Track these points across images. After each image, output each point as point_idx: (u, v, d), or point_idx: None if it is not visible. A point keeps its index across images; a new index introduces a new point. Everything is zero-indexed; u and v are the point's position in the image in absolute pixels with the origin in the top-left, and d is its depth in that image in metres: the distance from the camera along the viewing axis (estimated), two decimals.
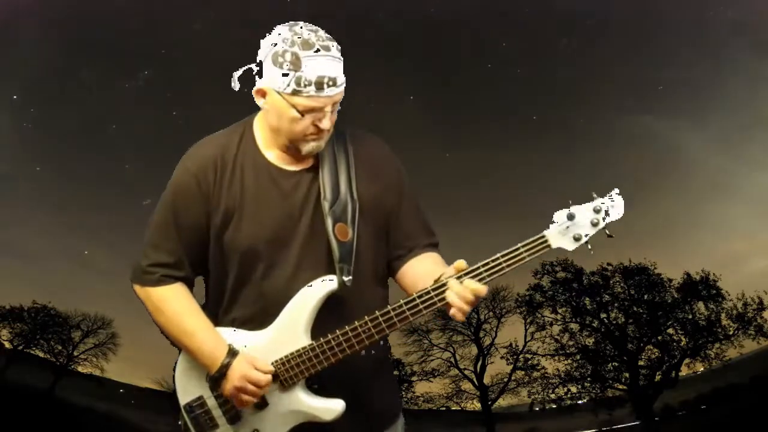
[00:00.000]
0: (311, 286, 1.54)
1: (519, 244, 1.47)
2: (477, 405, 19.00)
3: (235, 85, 1.56)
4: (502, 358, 18.74)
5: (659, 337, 17.31)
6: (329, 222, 1.55)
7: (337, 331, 1.51)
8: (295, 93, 1.49)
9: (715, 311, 17.10)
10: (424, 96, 17.01)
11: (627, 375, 17.23)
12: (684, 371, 17.32)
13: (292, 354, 1.54)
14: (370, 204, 1.62)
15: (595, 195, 1.49)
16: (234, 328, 1.60)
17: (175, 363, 1.69)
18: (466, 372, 19.09)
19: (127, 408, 20.93)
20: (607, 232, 1.47)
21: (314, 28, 1.52)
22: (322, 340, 1.52)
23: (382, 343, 1.67)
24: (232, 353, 1.55)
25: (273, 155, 1.62)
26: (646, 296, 17.56)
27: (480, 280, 1.45)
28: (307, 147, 1.55)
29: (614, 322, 17.64)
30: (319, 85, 1.47)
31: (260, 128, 1.64)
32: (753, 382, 16.53)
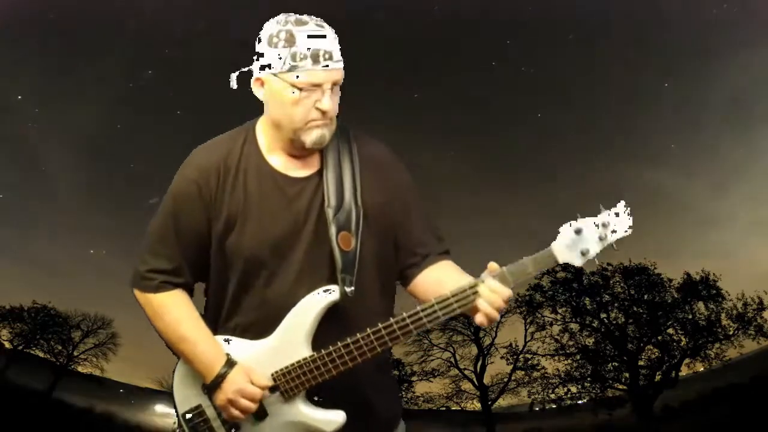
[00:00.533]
0: (313, 295, 1.51)
1: (525, 258, 1.45)
2: (477, 405, 19.01)
3: (233, 84, 1.54)
4: (502, 358, 18.75)
5: (659, 337, 17.30)
6: (333, 230, 1.52)
7: (339, 343, 1.48)
8: (291, 69, 1.46)
9: (715, 311, 17.10)
10: (427, 94, 17.01)
11: (627, 375, 17.23)
12: (684, 371, 17.32)
13: (292, 365, 1.51)
14: (375, 211, 1.59)
15: (602, 208, 1.45)
16: (234, 337, 1.57)
17: (174, 370, 1.67)
18: (466, 372, 19.09)
19: (127, 408, 20.92)
20: (614, 246, 1.45)
21: (308, 16, 1.50)
22: (323, 351, 1.49)
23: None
24: (230, 363, 1.53)
25: (277, 161, 1.59)
26: (646, 296, 17.56)
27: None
28: (312, 136, 1.51)
29: (614, 322, 17.64)
30: (315, 58, 1.45)
31: (263, 132, 1.61)
32: (753, 382, 16.52)
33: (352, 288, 1.51)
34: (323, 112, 1.48)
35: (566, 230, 1.45)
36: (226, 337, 1.57)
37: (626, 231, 1.45)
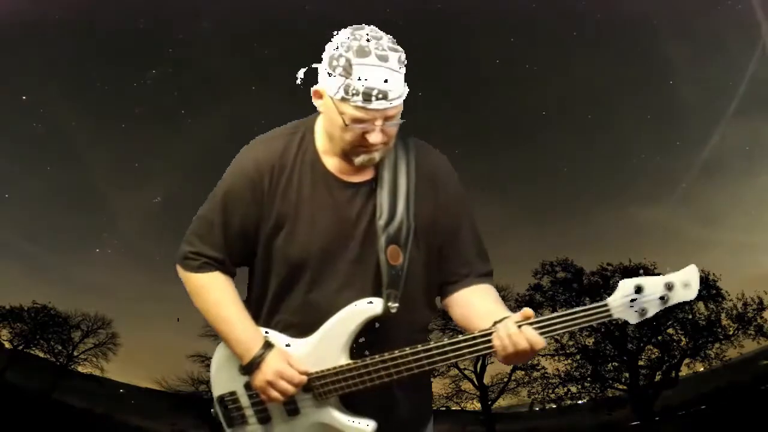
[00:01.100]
0: (356, 306, 1.49)
1: (578, 309, 1.41)
2: (477, 405, 19.01)
3: (299, 81, 1.50)
4: None
5: (659, 337, 17.30)
6: (382, 243, 1.51)
7: (377, 356, 1.47)
8: (343, 100, 1.42)
9: (715, 311, 17.11)
10: (430, 92, 16.91)
11: (627, 375, 17.24)
12: (684, 371, 17.32)
13: (328, 370, 1.51)
14: (426, 226, 1.56)
15: (669, 269, 1.39)
16: (274, 330, 1.56)
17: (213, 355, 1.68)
18: (466, 372, 19.08)
19: (127, 408, 20.92)
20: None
21: (379, 35, 1.43)
22: (360, 362, 1.48)
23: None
24: (268, 345, 1.52)
25: (332, 163, 1.57)
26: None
27: (545, 331, 1.40)
28: (359, 159, 1.49)
29: (614, 322, 17.63)
30: (367, 96, 1.40)
31: (321, 131, 1.57)
32: (753, 382, 16.52)
33: (397, 305, 1.48)
34: (372, 144, 1.46)
35: (626, 286, 1.39)
36: (266, 329, 1.56)
37: (691, 298, 1.38)
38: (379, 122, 1.44)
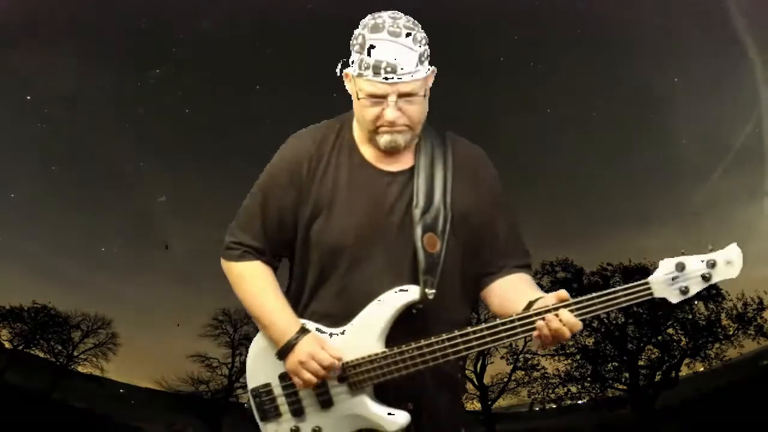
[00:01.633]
0: (392, 292, 1.50)
1: (619, 288, 1.40)
2: (477, 405, 19.00)
3: (338, 72, 1.55)
4: (502, 358, 18.74)
5: (659, 337, 17.30)
6: (418, 231, 1.52)
7: (413, 343, 1.47)
8: (359, 76, 1.47)
9: (715, 311, 17.11)
10: (432, 90, 16.90)
11: (627, 375, 17.23)
12: (684, 371, 17.33)
13: (363, 358, 1.51)
14: (463, 216, 1.58)
15: (711, 246, 1.39)
16: (310, 321, 1.57)
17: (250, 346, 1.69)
18: (466, 372, 19.08)
19: (127, 408, 20.93)
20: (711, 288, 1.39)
21: (398, 15, 1.48)
22: (396, 349, 1.48)
23: (460, 362, 1.64)
24: (304, 331, 1.53)
25: (369, 152, 1.60)
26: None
27: (584, 314, 1.39)
28: (382, 140, 1.51)
29: (614, 322, 17.64)
30: (376, 70, 1.44)
31: (357, 123, 1.61)
32: (753, 382, 16.52)
33: (434, 291, 1.49)
34: (389, 122, 1.48)
35: (667, 265, 1.39)
36: (303, 321, 1.57)
37: (734, 276, 1.38)
38: (392, 98, 1.46)
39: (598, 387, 17.65)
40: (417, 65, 1.47)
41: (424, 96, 1.52)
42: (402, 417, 1.50)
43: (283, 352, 1.54)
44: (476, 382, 18.89)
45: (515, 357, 18.60)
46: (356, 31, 1.48)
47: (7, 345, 19.84)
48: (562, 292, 1.42)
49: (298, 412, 1.58)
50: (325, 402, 1.55)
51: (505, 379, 18.76)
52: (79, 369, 20.60)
